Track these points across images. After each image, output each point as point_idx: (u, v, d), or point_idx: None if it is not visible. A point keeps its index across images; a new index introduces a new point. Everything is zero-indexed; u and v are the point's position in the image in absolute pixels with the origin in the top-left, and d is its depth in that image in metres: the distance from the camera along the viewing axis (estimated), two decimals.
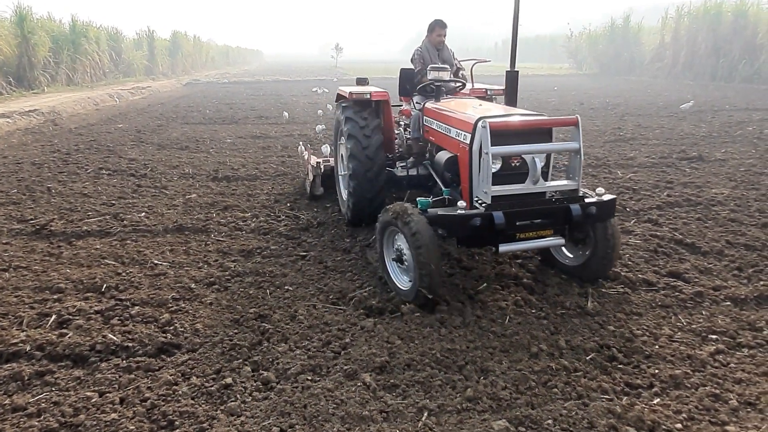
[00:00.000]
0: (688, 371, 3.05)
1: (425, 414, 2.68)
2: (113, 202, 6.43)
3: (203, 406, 2.75)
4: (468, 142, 3.80)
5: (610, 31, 34.03)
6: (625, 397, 2.83)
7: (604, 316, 3.65)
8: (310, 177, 6.43)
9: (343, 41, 52.27)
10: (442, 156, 4.28)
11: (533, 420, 2.64)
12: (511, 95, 5.16)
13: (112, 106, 17.35)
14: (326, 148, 7.20)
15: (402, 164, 5.56)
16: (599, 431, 2.56)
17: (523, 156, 3.75)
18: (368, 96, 5.09)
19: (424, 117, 4.93)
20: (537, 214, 3.73)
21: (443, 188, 4.38)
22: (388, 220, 3.82)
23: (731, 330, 3.50)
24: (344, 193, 5.64)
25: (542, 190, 3.81)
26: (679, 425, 2.61)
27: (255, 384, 2.94)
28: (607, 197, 3.88)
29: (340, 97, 5.59)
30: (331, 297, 3.96)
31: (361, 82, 5.76)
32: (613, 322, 3.58)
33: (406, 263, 3.79)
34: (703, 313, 3.75)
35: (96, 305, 3.77)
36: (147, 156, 9.22)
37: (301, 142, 8.63)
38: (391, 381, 2.95)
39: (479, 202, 3.72)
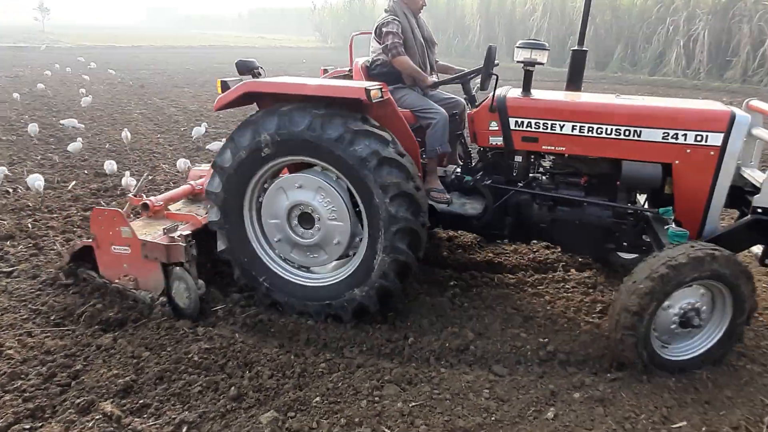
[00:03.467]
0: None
1: (184, 429, 2.39)
2: None
3: None
4: (713, 144, 2.94)
5: (349, 6, 36.01)
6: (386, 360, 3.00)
7: None
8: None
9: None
10: (631, 168, 3.11)
11: (302, 402, 2.60)
12: (576, 78, 3.97)
13: None
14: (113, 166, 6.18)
15: (439, 194, 3.60)
16: (364, 394, 2.65)
17: None
18: (379, 94, 3.02)
19: (521, 118, 3.28)
20: None
21: (660, 209, 3.09)
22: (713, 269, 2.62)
23: None
24: (377, 264, 3.14)
25: None
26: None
27: None
28: None
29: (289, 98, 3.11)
30: (52, 318, 3.24)
31: (247, 66, 3.65)
32: None
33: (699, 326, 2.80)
34: None
35: None
36: None
37: (127, 174, 5.86)
38: (140, 402, 2.55)
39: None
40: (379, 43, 3.71)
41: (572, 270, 4.14)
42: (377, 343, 3.10)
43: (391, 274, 3.11)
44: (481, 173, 3.66)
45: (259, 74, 3.74)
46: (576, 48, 4.00)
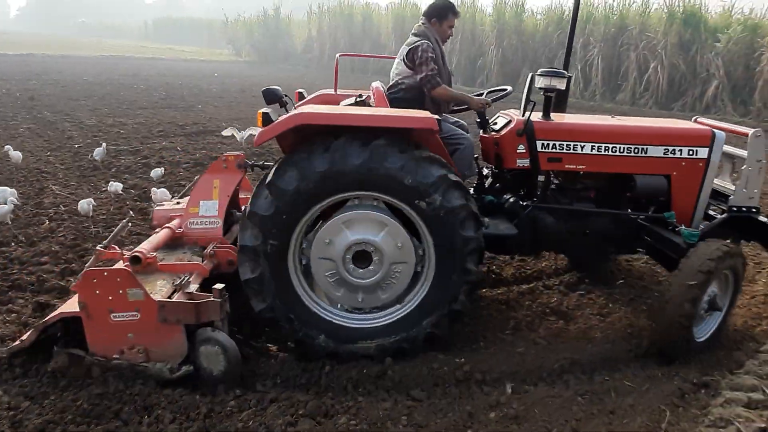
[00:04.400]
0: None
1: None
2: None
3: None
4: (700, 156, 3.54)
5: (264, 21, 35.50)
6: None
7: None
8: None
9: None
10: (643, 180, 3.56)
11: None
12: (562, 102, 4.31)
13: None
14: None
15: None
16: None
17: None
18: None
19: (547, 140, 3.50)
20: None
21: (665, 213, 3.57)
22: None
23: None
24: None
25: None
26: None
27: None
28: None
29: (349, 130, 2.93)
30: None
31: (276, 94, 3.67)
32: None
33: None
34: None
35: None
36: None
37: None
38: None
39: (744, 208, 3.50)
40: (409, 68, 3.68)
41: (486, 288, 4.23)
42: (292, 374, 2.96)
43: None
44: (507, 194, 3.80)
45: (286, 103, 3.53)
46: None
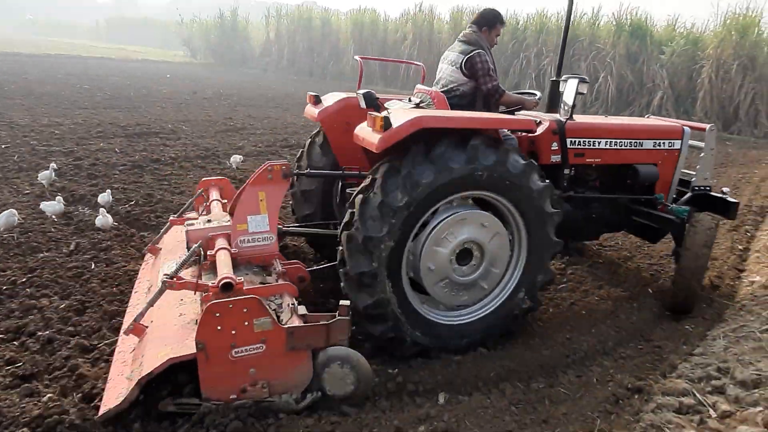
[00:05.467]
0: None
1: None
2: None
3: None
4: (676, 147, 4.26)
5: (220, 23, 34.79)
6: None
7: None
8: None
9: None
10: (643, 169, 4.15)
11: None
12: (556, 104, 4.50)
13: None
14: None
15: None
16: None
17: None
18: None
19: (575, 138, 3.92)
20: None
21: (657, 195, 4.26)
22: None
23: None
24: None
25: None
26: None
27: None
28: None
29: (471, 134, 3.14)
30: None
31: (373, 98, 3.69)
32: None
33: None
34: None
35: None
36: None
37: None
38: None
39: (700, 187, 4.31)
40: (466, 76, 3.83)
41: None
42: None
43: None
44: None
45: (378, 107, 3.48)
46: (554, 78, 4.93)
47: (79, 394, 2.59)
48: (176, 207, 5.54)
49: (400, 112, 3.08)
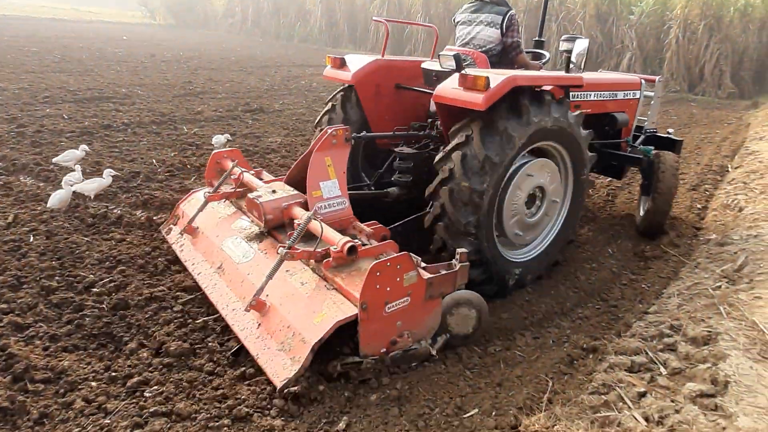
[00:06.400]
0: None
1: None
2: None
3: None
4: (637, 97, 5.05)
5: None
6: None
7: None
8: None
9: None
10: (619, 116, 4.83)
11: None
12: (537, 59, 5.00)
13: None
14: None
15: None
16: None
17: None
18: None
19: (573, 91, 4.31)
20: None
21: (627, 138, 5.07)
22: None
23: None
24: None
25: None
26: None
27: None
28: None
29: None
30: None
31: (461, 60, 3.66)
32: None
33: None
34: None
35: None
36: None
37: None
38: None
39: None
40: (502, 36, 4.17)
41: None
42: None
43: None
44: None
45: (463, 66, 3.56)
46: (537, 39, 5.26)
47: (9, 376, 2.43)
48: (126, 175, 5.28)
49: (491, 73, 3.23)
